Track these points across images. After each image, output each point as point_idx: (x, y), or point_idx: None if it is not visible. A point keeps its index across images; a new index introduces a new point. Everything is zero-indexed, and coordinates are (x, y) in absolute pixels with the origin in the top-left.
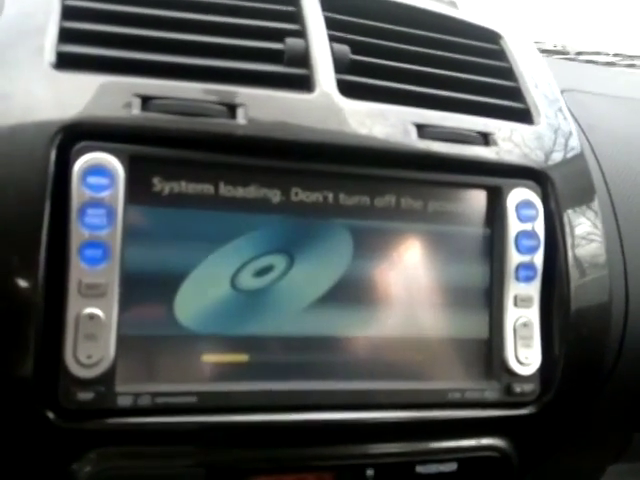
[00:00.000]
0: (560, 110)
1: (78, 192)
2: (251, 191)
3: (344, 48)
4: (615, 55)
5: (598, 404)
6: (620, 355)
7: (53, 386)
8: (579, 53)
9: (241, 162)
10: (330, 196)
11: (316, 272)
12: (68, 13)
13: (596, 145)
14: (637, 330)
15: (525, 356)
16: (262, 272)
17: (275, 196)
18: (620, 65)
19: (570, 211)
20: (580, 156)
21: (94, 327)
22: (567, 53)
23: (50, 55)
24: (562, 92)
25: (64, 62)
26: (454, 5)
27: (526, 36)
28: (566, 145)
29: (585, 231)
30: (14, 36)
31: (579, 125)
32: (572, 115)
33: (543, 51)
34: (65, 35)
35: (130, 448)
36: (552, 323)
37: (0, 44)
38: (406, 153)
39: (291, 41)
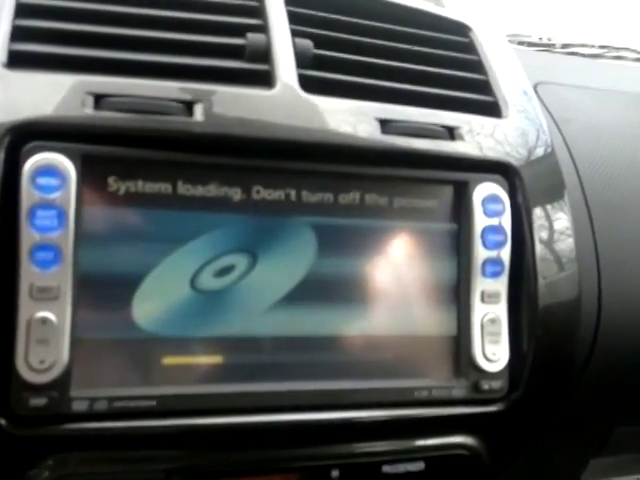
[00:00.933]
0: (530, 103)
1: (28, 193)
2: (211, 190)
3: (307, 43)
4: (601, 47)
5: (575, 397)
6: (594, 349)
7: (5, 392)
8: (565, 45)
9: (199, 160)
10: (292, 193)
11: (279, 271)
12: (21, 10)
13: (569, 138)
14: (610, 324)
15: (493, 352)
16: (223, 272)
17: (236, 194)
18: (607, 57)
19: (539, 206)
20: (550, 150)
21: (46, 331)
22: (553, 46)
23: (1, 54)
24: (537, 85)
25: (16, 61)
26: (440, 3)
27: (496, 29)
28: (536, 139)
29: (554, 226)
30: None
31: (552, 118)
32: (546, 108)
33: (529, 44)
34: (17, 33)
35: (88, 454)
36: (520, 319)
37: None
38: (370, 149)
39: (252, 36)
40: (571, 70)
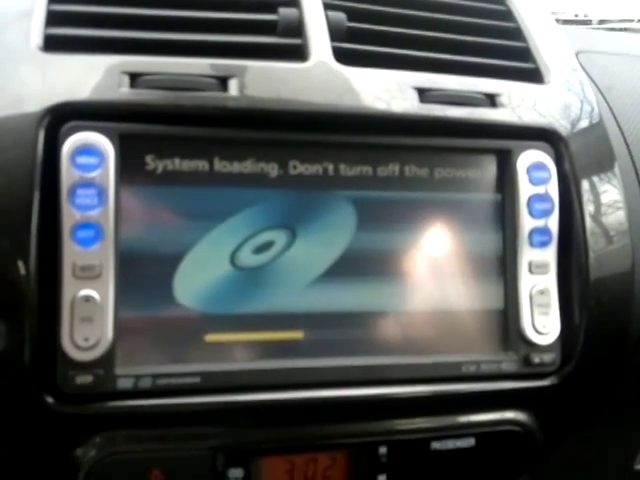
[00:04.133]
0: (573, 69)
1: (68, 173)
2: (247, 166)
3: (340, 15)
4: None
5: (627, 379)
6: None
7: (51, 371)
8: (602, 21)
9: (235, 136)
10: (330, 167)
11: (319, 246)
12: None
13: (615, 107)
14: None
15: (543, 325)
16: (262, 248)
17: (273, 170)
18: None
19: (587, 173)
20: (596, 116)
21: (90, 309)
22: (589, 22)
23: (38, 38)
24: (578, 54)
25: (52, 44)
26: None
27: None
28: (580, 105)
29: (604, 195)
30: (2, 20)
31: (597, 86)
32: (589, 76)
33: (564, 21)
34: (52, 18)
35: (134, 431)
36: (571, 290)
37: None
38: (408, 119)
39: (284, 11)
40: (609, 41)
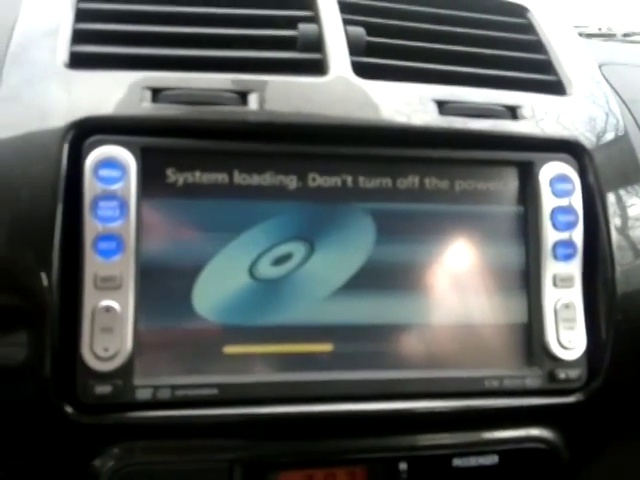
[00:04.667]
0: (596, 81)
1: (90, 185)
2: (267, 178)
3: (359, 30)
4: None
5: None
6: None
7: (71, 380)
8: (626, 35)
9: (255, 149)
10: (349, 180)
11: (338, 259)
12: (81, 15)
13: None
14: None
15: (568, 339)
16: (281, 260)
17: (292, 182)
18: None
19: (612, 186)
20: (621, 129)
21: (110, 320)
22: (613, 36)
23: (64, 55)
24: (601, 66)
25: (77, 61)
26: None
27: (555, 9)
28: (604, 118)
29: (630, 208)
30: (30, 38)
31: (621, 99)
32: (612, 88)
33: (588, 35)
34: (78, 36)
35: (152, 442)
36: (597, 304)
37: (17, 45)
38: (427, 131)
39: (304, 27)
40: (633, 53)
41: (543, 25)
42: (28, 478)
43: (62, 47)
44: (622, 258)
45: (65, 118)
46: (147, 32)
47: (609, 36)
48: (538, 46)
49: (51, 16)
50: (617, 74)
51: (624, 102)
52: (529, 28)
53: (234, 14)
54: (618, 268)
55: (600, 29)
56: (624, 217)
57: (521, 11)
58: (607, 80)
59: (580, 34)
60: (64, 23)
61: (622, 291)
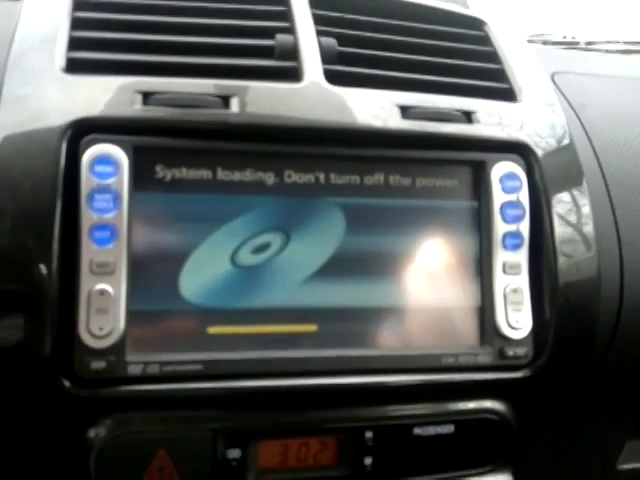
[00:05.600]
0: (545, 89)
1: (87, 179)
2: (247, 174)
3: (331, 41)
4: (626, 43)
5: (603, 377)
6: (618, 325)
7: (69, 357)
8: (589, 43)
9: (236, 148)
10: (322, 176)
11: (311, 248)
12: (76, 24)
13: (587, 123)
14: (634, 300)
15: (516, 320)
16: (260, 249)
17: (269, 178)
18: (632, 52)
19: (555, 184)
20: (565, 132)
21: (105, 302)
22: (577, 44)
23: (61, 61)
24: (555, 74)
25: (73, 66)
26: (464, 4)
27: (510, 23)
28: (550, 121)
29: (571, 203)
30: (29, 45)
31: (570, 104)
32: (563, 95)
33: (553, 43)
34: (74, 43)
35: (143, 414)
36: (542, 289)
37: (18, 52)
38: (391, 133)
39: (281, 37)
40: (589, 62)
41: (499, 37)
42: (27, 448)
43: (59, 53)
44: (564, 248)
45: (63, 118)
46: (138, 40)
47: (573, 44)
48: (493, 56)
49: (49, 24)
50: (568, 81)
51: (572, 108)
52: (486, 40)
53: (218, 24)
54: (560, 258)
55: (565, 37)
56: (566, 213)
57: (479, 24)
58: (558, 87)
59: (545, 42)
60: (61, 31)
61: (563, 277)
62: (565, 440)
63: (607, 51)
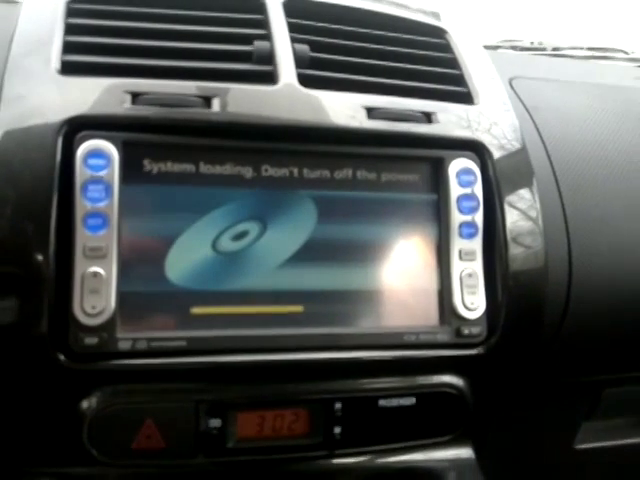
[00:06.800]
0: (500, 92)
1: (81, 172)
2: (227, 168)
3: (304, 47)
4: (590, 49)
5: (556, 359)
6: (567, 309)
7: (64, 333)
8: (555, 49)
9: (217, 144)
10: (295, 171)
11: (286, 235)
12: (70, 29)
13: (540, 123)
14: (581, 286)
15: (471, 302)
16: (239, 236)
17: (248, 172)
18: (596, 58)
19: (507, 179)
20: (517, 132)
21: (97, 283)
22: (544, 49)
23: (56, 63)
24: (512, 79)
25: (68, 68)
26: (437, 16)
27: (470, 32)
28: (504, 122)
29: (521, 196)
30: (27, 49)
31: (524, 106)
32: (518, 98)
33: (521, 48)
34: (68, 47)
35: (131, 386)
36: (495, 274)
37: (16, 54)
38: (358, 132)
39: (258, 43)
40: (550, 67)
41: (458, 44)
42: (25, 419)
43: (55, 56)
44: (514, 237)
45: (59, 116)
46: (127, 45)
47: (540, 49)
48: (453, 63)
49: (44, 29)
50: (525, 86)
51: (527, 110)
52: (446, 47)
53: (202, 31)
54: (511, 245)
55: (532, 43)
56: (516, 205)
57: (441, 33)
58: (515, 91)
59: (514, 47)
60: (56, 36)
61: (514, 263)
62: (523, 421)
63: (572, 57)
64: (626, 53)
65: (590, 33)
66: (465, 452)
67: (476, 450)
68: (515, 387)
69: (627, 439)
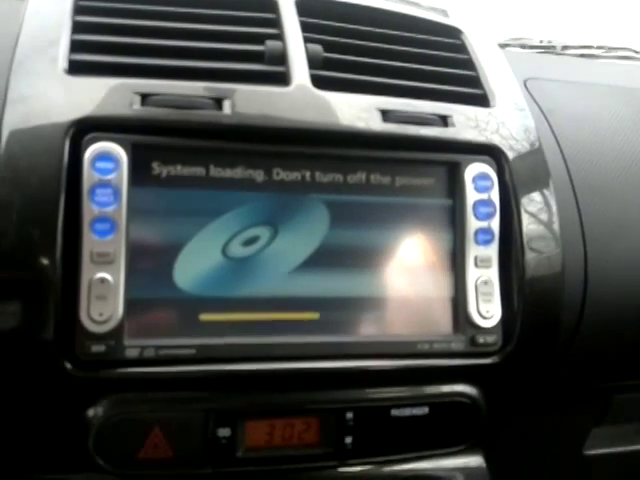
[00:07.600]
0: (516, 95)
1: (88, 175)
2: (238, 172)
3: (317, 47)
4: (599, 48)
5: (570, 367)
6: (582, 318)
7: (70, 341)
8: (565, 47)
9: (228, 147)
10: (307, 174)
11: (297, 241)
12: (78, 27)
13: (556, 126)
14: (596, 294)
15: (486, 310)
16: (250, 242)
17: (259, 176)
18: (605, 57)
19: (524, 184)
20: (534, 136)
21: (104, 289)
22: (553, 48)
23: (63, 63)
24: (527, 80)
25: (75, 68)
26: (445, 14)
27: (486, 31)
28: (520, 125)
29: (538, 201)
30: (33, 48)
31: (540, 109)
32: (534, 100)
33: (530, 47)
34: (75, 46)
35: (139, 395)
36: (511, 281)
37: (22, 54)
38: (372, 135)
39: (270, 43)
40: (562, 67)
41: (474, 45)
42: (31, 427)
43: (62, 56)
44: (531, 243)
45: (66, 117)
46: (136, 44)
47: (549, 48)
48: (469, 64)
49: (51, 28)
50: (540, 87)
51: (542, 112)
52: (462, 48)
53: (213, 30)
54: (527, 252)
55: (541, 41)
56: (534, 211)
57: (456, 33)
58: (530, 93)
59: (523, 45)
60: (63, 34)
61: (530, 270)
62: (533, 426)
63: (582, 55)
64: (636, 52)
65: (596, 31)
66: (475, 460)
67: (486, 458)
68: (527, 393)
69: (636, 445)
